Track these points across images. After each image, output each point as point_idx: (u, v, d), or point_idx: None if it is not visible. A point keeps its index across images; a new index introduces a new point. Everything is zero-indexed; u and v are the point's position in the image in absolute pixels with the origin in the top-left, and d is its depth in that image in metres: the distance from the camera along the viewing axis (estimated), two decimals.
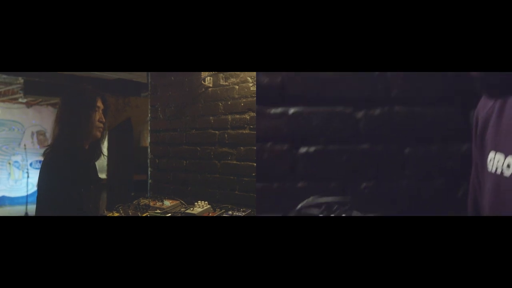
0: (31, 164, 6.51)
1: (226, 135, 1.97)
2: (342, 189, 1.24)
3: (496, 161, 0.75)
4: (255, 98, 1.81)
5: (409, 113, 1.22)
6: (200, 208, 1.60)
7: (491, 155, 0.77)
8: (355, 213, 1.00)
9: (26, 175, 6.32)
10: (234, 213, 1.53)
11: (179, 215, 1.57)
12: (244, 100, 1.89)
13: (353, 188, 1.25)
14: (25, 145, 6.41)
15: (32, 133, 6.64)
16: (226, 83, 1.97)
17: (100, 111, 1.55)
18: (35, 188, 6.67)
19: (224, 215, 1.54)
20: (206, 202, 1.64)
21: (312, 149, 1.23)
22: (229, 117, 1.96)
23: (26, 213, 5.75)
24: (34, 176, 6.49)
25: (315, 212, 1.07)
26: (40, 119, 6.66)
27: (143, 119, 5.29)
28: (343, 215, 1.00)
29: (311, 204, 1.10)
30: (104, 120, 1.56)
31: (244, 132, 1.89)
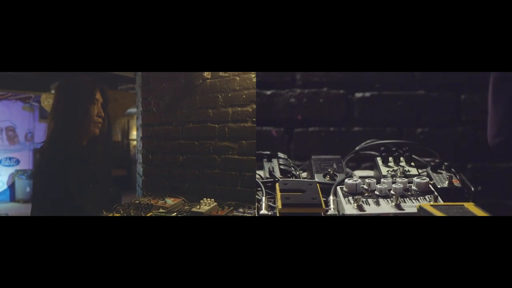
0: (0, 162, 6.19)
1: (226, 129, 1.89)
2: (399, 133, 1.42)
3: None
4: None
5: None
6: (207, 206, 1.51)
7: None
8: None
9: None
10: (246, 211, 1.45)
11: (185, 213, 1.48)
12: (246, 92, 1.81)
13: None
14: None
15: (1, 129, 6.32)
16: (226, 74, 1.88)
17: (99, 105, 1.43)
18: (5, 187, 6.39)
19: (234, 212, 1.46)
20: (213, 199, 1.56)
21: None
22: (230, 109, 1.87)
23: None
24: (4, 174, 6.18)
25: (373, 153, 1.17)
26: (8, 114, 6.34)
27: (121, 113, 5.11)
28: (401, 158, 1.07)
29: (370, 146, 1.19)
30: (103, 114, 1.44)
31: (246, 125, 1.81)
